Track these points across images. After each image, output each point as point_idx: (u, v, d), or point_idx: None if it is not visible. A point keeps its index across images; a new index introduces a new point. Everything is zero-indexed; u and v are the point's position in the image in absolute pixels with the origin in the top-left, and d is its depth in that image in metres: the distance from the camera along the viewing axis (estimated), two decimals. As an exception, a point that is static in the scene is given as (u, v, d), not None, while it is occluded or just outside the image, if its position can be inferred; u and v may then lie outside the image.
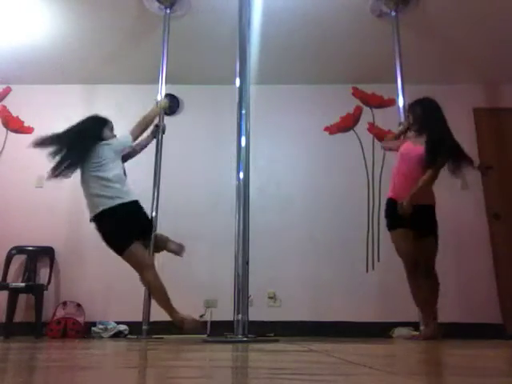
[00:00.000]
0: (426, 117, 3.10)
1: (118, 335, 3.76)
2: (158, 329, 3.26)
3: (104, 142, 3.12)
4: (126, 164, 4.69)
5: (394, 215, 3.06)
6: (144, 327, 3.14)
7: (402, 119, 3.56)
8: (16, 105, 4.70)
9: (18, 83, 4.71)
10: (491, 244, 4.21)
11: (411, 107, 3.24)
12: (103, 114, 4.66)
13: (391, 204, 3.12)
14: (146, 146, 3.47)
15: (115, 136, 3.25)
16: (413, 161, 3.04)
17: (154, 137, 3.48)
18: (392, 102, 4.34)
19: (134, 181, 4.37)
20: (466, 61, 4.34)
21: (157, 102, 3.55)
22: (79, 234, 4.32)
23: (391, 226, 3.12)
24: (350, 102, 4.70)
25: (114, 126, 3.32)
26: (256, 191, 3.77)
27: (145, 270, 2.96)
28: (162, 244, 3.17)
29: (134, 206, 3.03)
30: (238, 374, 0.89)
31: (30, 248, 4.22)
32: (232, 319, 2.41)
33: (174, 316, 2.92)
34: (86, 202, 3.06)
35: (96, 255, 4.25)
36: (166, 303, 2.93)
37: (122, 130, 4.80)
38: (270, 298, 4.14)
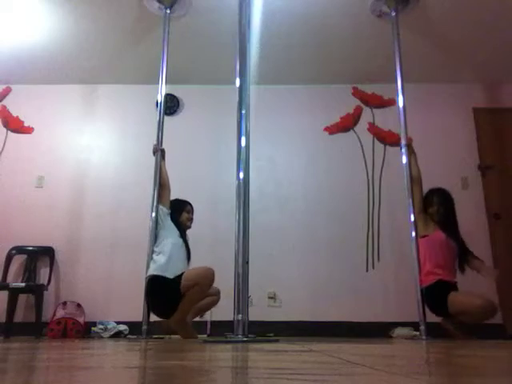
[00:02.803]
0: (446, 213, 3.32)
1: (118, 335, 3.76)
2: (157, 329, 3.26)
3: None
4: (121, 164, 4.70)
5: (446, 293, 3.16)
6: (144, 327, 3.14)
7: (402, 120, 3.55)
8: (16, 105, 4.71)
9: (17, 83, 4.72)
10: (491, 244, 4.21)
11: (432, 195, 3.39)
12: (103, 113, 4.70)
13: (447, 286, 3.19)
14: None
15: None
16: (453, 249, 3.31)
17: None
18: (392, 102, 4.35)
19: (134, 181, 4.39)
20: (466, 61, 4.35)
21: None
22: (79, 234, 4.33)
23: (444, 298, 3.12)
24: (349, 102, 4.70)
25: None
26: (256, 191, 3.77)
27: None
28: None
29: None
30: (238, 374, 0.89)
31: (30, 248, 4.22)
32: (232, 319, 2.41)
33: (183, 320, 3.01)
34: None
35: (96, 255, 4.26)
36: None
37: (120, 129, 4.81)
38: (270, 298, 4.14)
